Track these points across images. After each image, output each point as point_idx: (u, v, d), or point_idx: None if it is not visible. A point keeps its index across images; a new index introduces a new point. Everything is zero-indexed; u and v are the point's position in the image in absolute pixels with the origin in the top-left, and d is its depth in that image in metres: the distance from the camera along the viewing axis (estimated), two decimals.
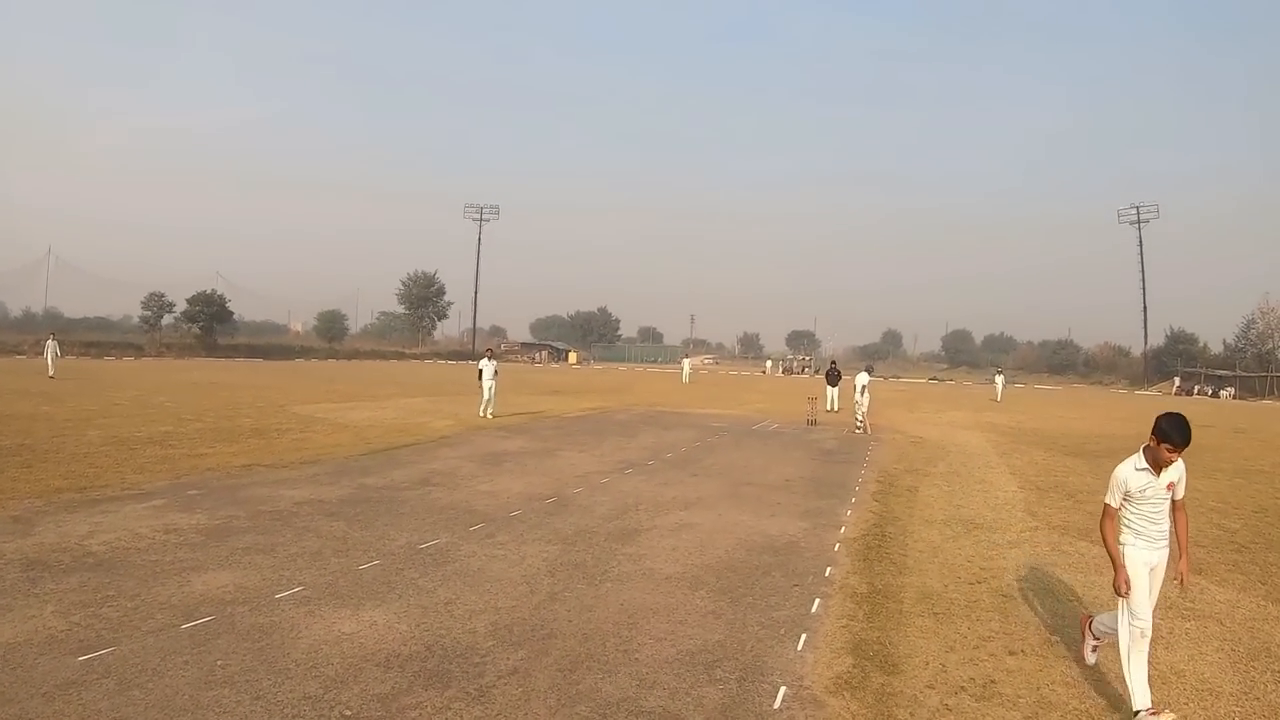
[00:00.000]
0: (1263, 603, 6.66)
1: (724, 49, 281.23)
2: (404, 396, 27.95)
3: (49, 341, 33.08)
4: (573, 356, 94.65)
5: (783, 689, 4.57)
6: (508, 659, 4.88)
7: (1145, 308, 76.81)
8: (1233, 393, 60.57)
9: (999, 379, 43.13)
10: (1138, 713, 4.32)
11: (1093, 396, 55.06)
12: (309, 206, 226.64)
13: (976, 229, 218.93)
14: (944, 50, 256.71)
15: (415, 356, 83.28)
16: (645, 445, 16.29)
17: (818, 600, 6.25)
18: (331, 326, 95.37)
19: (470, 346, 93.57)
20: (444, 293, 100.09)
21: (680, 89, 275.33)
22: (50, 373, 30.48)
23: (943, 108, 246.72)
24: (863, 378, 21.44)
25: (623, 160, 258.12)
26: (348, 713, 4.09)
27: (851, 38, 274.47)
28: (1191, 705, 4.59)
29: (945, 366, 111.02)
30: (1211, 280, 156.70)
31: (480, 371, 21.26)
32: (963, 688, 4.70)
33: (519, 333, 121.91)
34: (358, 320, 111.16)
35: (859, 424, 20.63)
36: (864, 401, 20.84)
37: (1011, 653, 5.28)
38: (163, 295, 71.40)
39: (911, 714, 4.34)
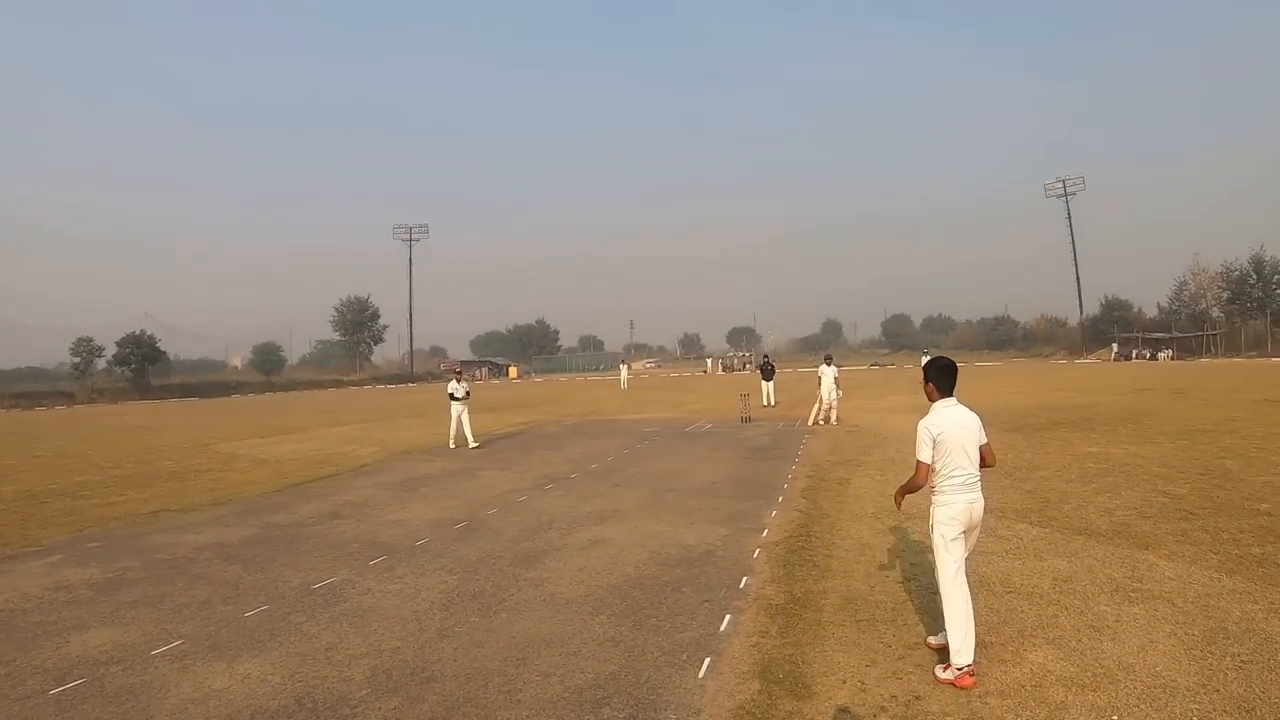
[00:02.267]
0: (1216, 575, 6.28)
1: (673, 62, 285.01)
2: (334, 425, 27.29)
3: None
4: (513, 371, 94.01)
5: None
6: (379, 709, 4.56)
7: (1078, 278, 77.77)
8: (1170, 354, 62.00)
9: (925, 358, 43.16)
10: (961, 668, 4.55)
11: (1032, 369, 55.93)
12: (239, 239, 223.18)
13: (920, 220, 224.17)
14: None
15: (354, 383, 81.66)
16: (570, 457, 16.01)
17: (728, 617, 5.89)
18: (268, 359, 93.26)
19: (409, 369, 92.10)
20: (378, 316, 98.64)
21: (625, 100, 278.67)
22: None
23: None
24: (830, 370, 20.87)
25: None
26: None
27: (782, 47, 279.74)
28: (1144, 706, 4.13)
29: (886, 351, 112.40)
30: (1142, 246, 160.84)
31: (451, 395, 18.49)
32: (883, 708, 4.29)
33: (459, 351, 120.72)
34: (294, 351, 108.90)
35: (821, 419, 20.35)
36: (833, 392, 20.53)
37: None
38: (90, 340, 69.68)
39: None
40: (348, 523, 10.06)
